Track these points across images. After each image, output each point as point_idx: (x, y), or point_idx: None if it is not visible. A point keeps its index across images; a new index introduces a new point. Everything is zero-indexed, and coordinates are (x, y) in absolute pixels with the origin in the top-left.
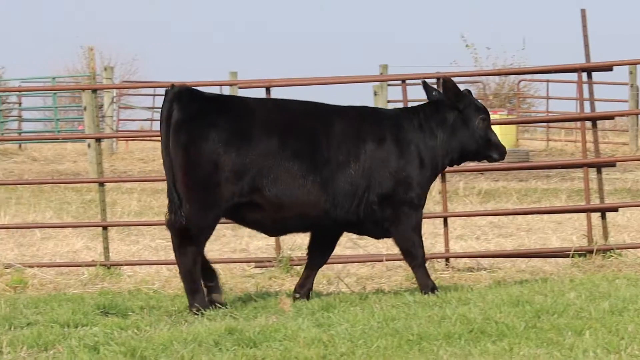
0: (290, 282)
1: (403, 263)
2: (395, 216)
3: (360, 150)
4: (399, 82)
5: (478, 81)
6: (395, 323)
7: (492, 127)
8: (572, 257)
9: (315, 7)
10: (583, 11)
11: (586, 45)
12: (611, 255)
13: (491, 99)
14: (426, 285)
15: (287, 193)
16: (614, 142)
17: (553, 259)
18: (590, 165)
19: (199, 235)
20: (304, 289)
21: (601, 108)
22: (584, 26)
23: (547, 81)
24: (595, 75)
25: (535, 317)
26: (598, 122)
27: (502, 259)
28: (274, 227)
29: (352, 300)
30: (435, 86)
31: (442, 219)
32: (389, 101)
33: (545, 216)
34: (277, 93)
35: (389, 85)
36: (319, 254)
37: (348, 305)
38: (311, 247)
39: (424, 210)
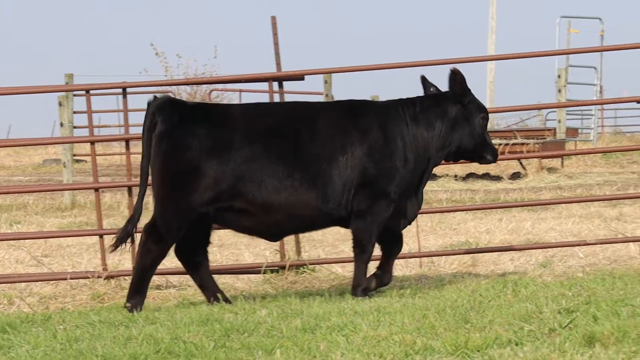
0: None
1: (88, 281)
2: (369, 207)
3: (346, 144)
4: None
5: (169, 91)
6: (79, 344)
7: None
8: (265, 273)
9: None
10: (273, 18)
11: (277, 54)
12: (304, 271)
13: None
14: (360, 284)
15: (275, 195)
16: None
17: (245, 275)
18: None
19: (165, 235)
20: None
21: None
22: (275, 34)
23: (240, 91)
24: (289, 85)
25: (224, 336)
26: None
27: None
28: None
29: (34, 321)
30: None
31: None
32: (75, 112)
33: None
34: None
35: (75, 95)
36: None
37: (30, 326)
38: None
39: None
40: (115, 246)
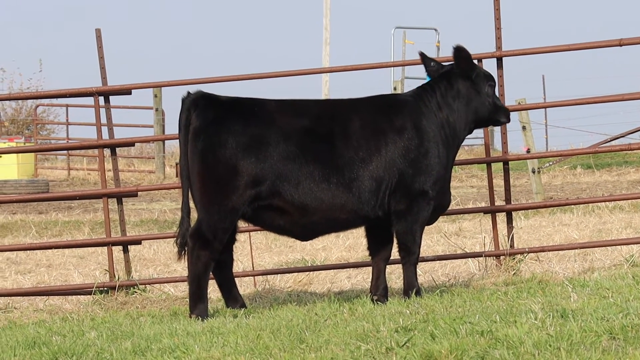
0: None
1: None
2: (407, 208)
3: (380, 143)
4: None
5: None
6: None
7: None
8: (94, 293)
9: None
10: (98, 31)
11: (102, 68)
12: (135, 291)
13: (7, 125)
14: (412, 285)
15: (311, 196)
16: (140, 170)
17: (74, 296)
18: (109, 195)
19: (213, 240)
20: (379, 290)
21: (125, 134)
22: (100, 47)
23: (67, 106)
24: (116, 100)
25: (53, 359)
26: (122, 149)
27: (20, 297)
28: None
29: None
30: None
31: None
32: None
33: (67, 251)
34: None
35: None
36: (380, 247)
37: None
38: (370, 245)
39: None
40: (180, 253)
